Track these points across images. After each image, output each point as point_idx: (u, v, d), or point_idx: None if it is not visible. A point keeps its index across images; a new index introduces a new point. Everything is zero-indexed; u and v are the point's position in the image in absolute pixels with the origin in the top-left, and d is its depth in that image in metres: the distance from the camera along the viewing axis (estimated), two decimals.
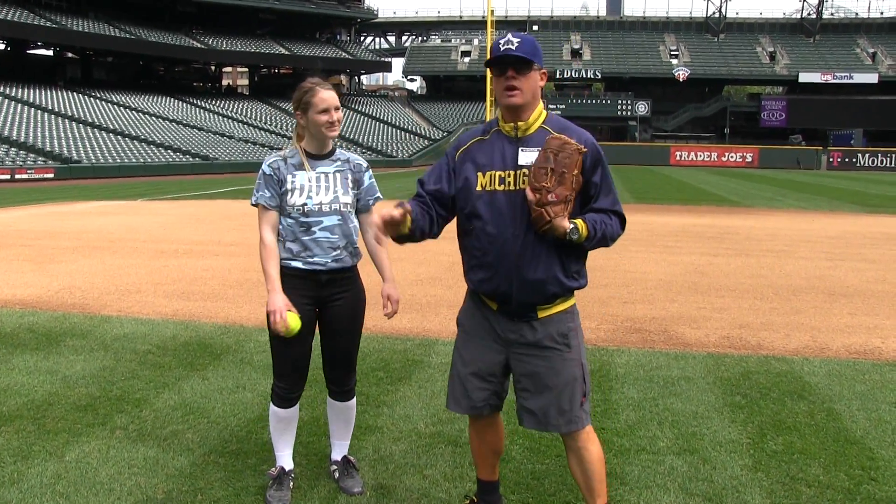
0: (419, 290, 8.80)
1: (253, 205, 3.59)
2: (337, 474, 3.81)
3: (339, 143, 3.69)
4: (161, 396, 5.09)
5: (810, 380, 5.57)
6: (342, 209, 3.56)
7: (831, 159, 69.48)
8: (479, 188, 3.03)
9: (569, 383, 3.03)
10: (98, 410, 4.80)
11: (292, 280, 3.53)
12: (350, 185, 3.61)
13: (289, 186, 3.52)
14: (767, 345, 6.61)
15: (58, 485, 3.74)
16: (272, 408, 3.70)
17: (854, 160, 69.37)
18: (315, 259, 3.52)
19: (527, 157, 2.98)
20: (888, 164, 68.72)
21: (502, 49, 2.95)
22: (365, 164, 3.73)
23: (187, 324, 7.14)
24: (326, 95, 3.47)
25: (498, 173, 3.01)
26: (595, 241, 2.95)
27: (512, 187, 2.98)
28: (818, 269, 10.78)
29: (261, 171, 3.58)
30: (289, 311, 3.43)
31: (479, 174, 3.04)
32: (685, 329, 7.12)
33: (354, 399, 3.88)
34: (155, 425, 4.57)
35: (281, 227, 3.56)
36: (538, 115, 3.05)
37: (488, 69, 3.04)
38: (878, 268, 10.95)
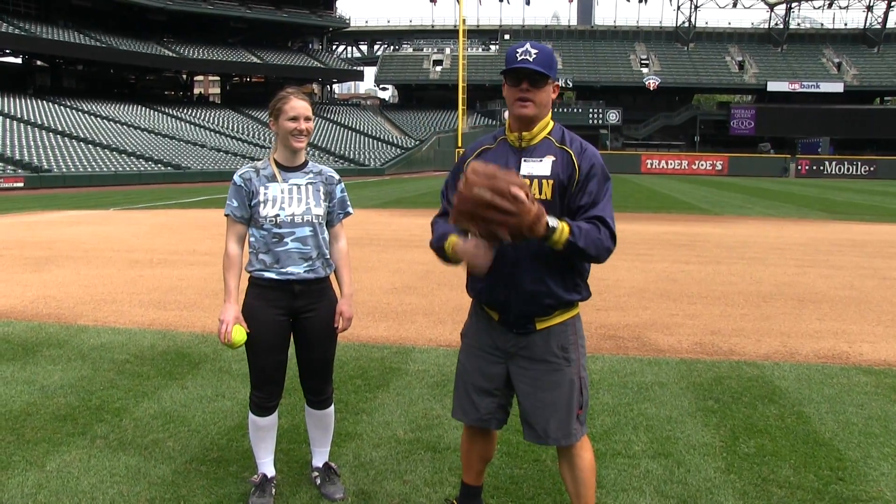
0: (394, 298, 8.86)
1: (225, 215, 3.64)
2: (318, 481, 3.85)
3: (310, 153, 3.73)
4: (140, 405, 5.10)
5: (780, 384, 5.70)
6: (314, 220, 3.60)
7: (799, 167, 70.47)
8: None
9: (567, 397, 3.06)
10: (77, 420, 4.81)
11: (265, 291, 3.58)
12: (322, 197, 3.65)
13: (261, 198, 3.54)
14: (739, 350, 6.74)
15: (39, 495, 3.75)
16: (251, 416, 3.74)
17: (821, 168, 70.47)
18: (287, 269, 3.55)
19: (529, 167, 3.00)
20: (854, 172, 69.95)
21: (519, 59, 2.93)
22: (337, 177, 3.76)
23: (164, 333, 7.14)
24: (297, 104, 3.51)
25: None
26: (579, 244, 2.80)
27: None
28: (787, 275, 10.97)
29: (232, 182, 3.62)
30: (237, 324, 3.50)
31: None
32: (658, 335, 7.24)
33: (332, 407, 3.92)
34: (135, 434, 4.59)
35: (253, 238, 3.60)
36: (544, 125, 3.06)
37: (502, 76, 3.01)
38: (846, 274, 11.16)
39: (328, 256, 3.69)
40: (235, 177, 3.60)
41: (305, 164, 3.67)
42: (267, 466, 3.78)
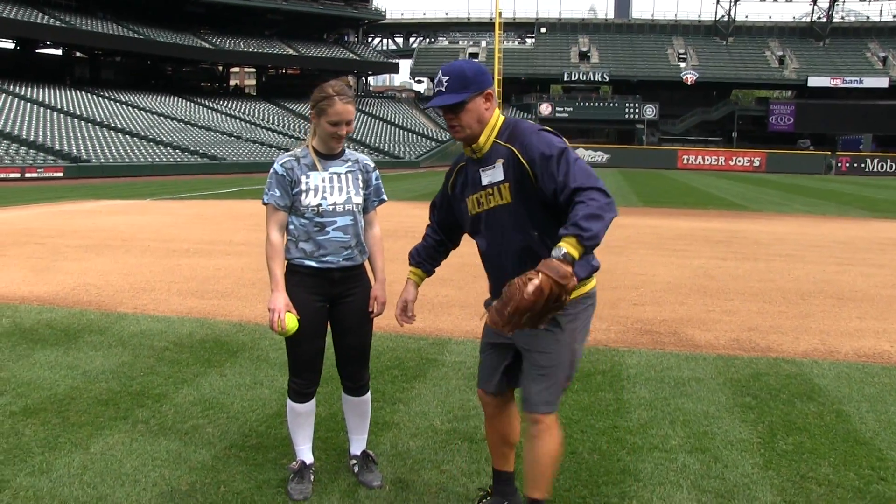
0: (431, 290, 8.86)
1: (264, 204, 3.66)
2: (356, 468, 3.89)
3: (346, 145, 3.76)
4: (180, 392, 5.18)
5: (819, 382, 5.64)
6: (354, 209, 3.64)
7: (839, 164, 69.45)
8: (469, 213, 3.25)
9: (556, 366, 3.09)
10: (119, 405, 4.90)
11: (305, 278, 3.62)
12: (361, 185, 3.70)
13: (303, 187, 3.58)
14: (777, 347, 6.68)
15: (85, 475, 3.84)
16: (290, 403, 3.79)
17: (863, 165, 69.28)
18: (328, 258, 3.60)
19: (487, 177, 3.12)
20: None
21: (434, 92, 3.09)
22: (372, 165, 3.80)
23: (202, 321, 7.23)
24: (341, 109, 3.52)
25: (475, 196, 3.20)
26: (593, 233, 2.71)
27: (486, 206, 3.16)
28: (826, 273, 10.84)
29: (272, 171, 3.64)
30: (288, 311, 3.52)
31: (468, 199, 3.25)
32: (695, 331, 7.19)
33: (369, 394, 3.95)
34: (175, 420, 4.66)
35: (292, 226, 3.63)
36: (490, 131, 3.13)
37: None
38: (887, 273, 11.00)
39: (364, 244, 3.73)
40: (276, 166, 3.63)
41: (343, 152, 3.70)
42: (305, 453, 3.82)
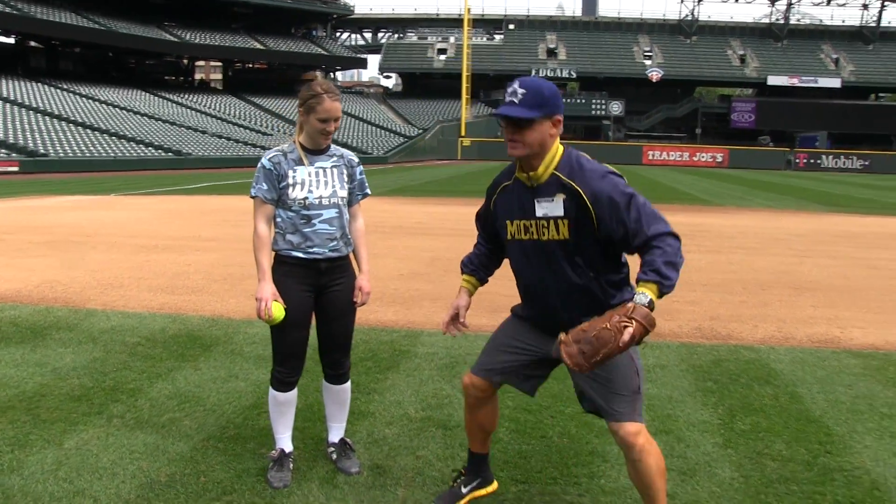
0: (402, 284, 8.98)
1: (252, 197, 3.77)
2: (335, 456, 3.99)
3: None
4: (155, 386, 5.22)
5: (776, 366, 5.91)
6: (339, 202, 3.77)
7: (797, 160, 70.70)
8: (509, 237, 3.22)
9: (622, 377, 3.06)
10: (93, 400, 4.91)
11: (293, 269, 3.74)
12: (346, 179, 3.82)
13: (290, 181, 3.70)
14: (736, 335, 6.92)
15: (60, 471, 3.85)
16: (272, 392, 3.88)
17: (819, 161, 70.66)
18: (314, 249, 3.72)
19: (543, 209, 3.05)
20: (850, 166, 70.21)
21: (506, 101, 3.00)
22: (357, 160, 3.93)
23: (174, 317, 7.26)
24: (330, 106, 3.62)
25: (523, 222, 3.13)
26: (671, 281, 2.83)
27: (535, 236, 3.10)
28: (785, 264, 11.12)
29: (260, 165, 3.74)
30: (275, 301, 3.64)
31: (508, 222, 3.20)
32: (659, 321, 7.26)
33: (349, 383, 4.07)
34: (152, 413, 4.71)
35: (280, 219, 3.74)
36: (550, 160, 3.05)
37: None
38: (841, 264, 11.34)
39: (349, 236, 3.86)
40: (264, 160, 3.74)
41: (329, 147, 3.82)
42: (285, 442, 3.92)
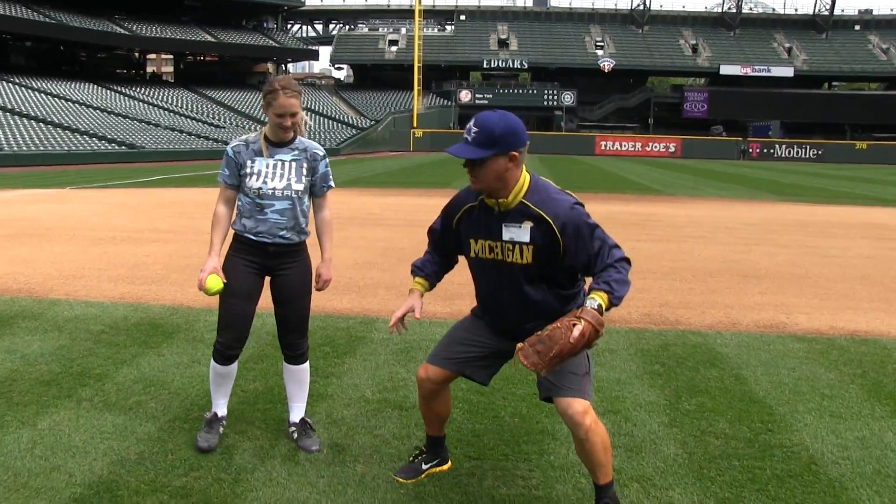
0: (357, 273, 9.16)
1: (218, 181, 4.05)
2: (295, 435, 4.17)
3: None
4: (121, 371, 5.36)
5: (722, 350, 6.16)
6: (293, 195, 3.95)
7: (750, 150, 71.83)
8: (472, 254, 3.42)
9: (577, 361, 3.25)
10: (62, 385, 5.05)
11: (244, 246, 4.00)
12: (304, 172, 4.00)
13: (247, 170, 3.92)
14: (685, 321, 7.18)
15: (35, 449, 4.02)
16: (212, 364, 4.15)
17: (772, 151, 71.88)
18: (262, 235, 3.95)
19: (510, 233, 3.24)
20: (803, 155, 71.54)
21: (462, 140, 3.17)
22: (321, 154, 4.10)
23: (136, 306, 7.36)
24: (285, 102, 3.82)
25: (488, 242, 3.32)
26: (620, 301, 3.13)
27: (500, 257, 3.30)
28: (734, 253, 11.48)
29: (225, 152, 4.01)
30: (214, 273, 3.91)
31: (472, 241, 3.39)
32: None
33: (308, 363, 4.28)
34: (119, 397, 4.85)
35: (240, 202, 3.99)
36: (518, 191, 3.22)
37: None
38: (789, 252, 11.71)
39: (304, 226, 4.04)
40: (228, 148, 3.99)
41: (293, 140, 4.00)
42: (220, 407, 4.22)
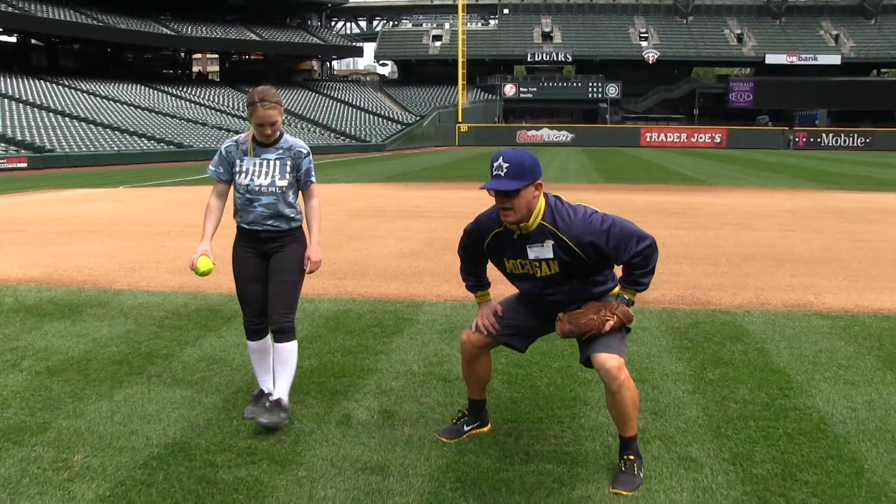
0: (403, 262, 9.56)
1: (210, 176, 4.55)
2: (266, 404, 4.43)
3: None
4: (185, 351, 5.82)
5: (748, 327, 6.47)
6: (277, 190, 4.37)
7: (797, 139, 71.04)
8: (507, 270, 3.88)
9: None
10: (132, 363, 5.52)
11: (243, 235, 4.51)
12: (288, 169, 4.40)
13: (237, 169, 4.40)
14: (716, 301, 7.48)
15: (115, 417, 4.48)
16: (247, 342, 4.61)
17: (818, 140, 71.08)
18: (253, 225, 4.42)
19: (535, 252, 3.69)
20: (850, 144, 70.59)
21: (493, 175, 3.55)
22: (305, 151, 4.50)
23: (195, 294, 7.84)
24: (262, 114, 4.23)
25: (518, 261, 3.77)
26: (647, 288, 3.75)
27: (530, 272, 3.77)
28: (769, 239, 11.68)
29: (218, 150, 4.50)
30: (205, 256, 4.43)
31: (505, 259, 3.84)
32: (644, 292, 7.92)
33: (294, 344, 4.47)
34: (185, 373, 5.31)
35: (235, 196, 4.46)
36: (537, 214, 3.63)
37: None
38: (824, 237, 11.89)
39: (291, 215, 4.44)
40: (221, 147, 4.48)
41: (279, 140, 4.41)
42: (264, 384, 4.62)
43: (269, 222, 4.39)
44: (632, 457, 3.69)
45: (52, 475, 3.71)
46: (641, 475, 3.66)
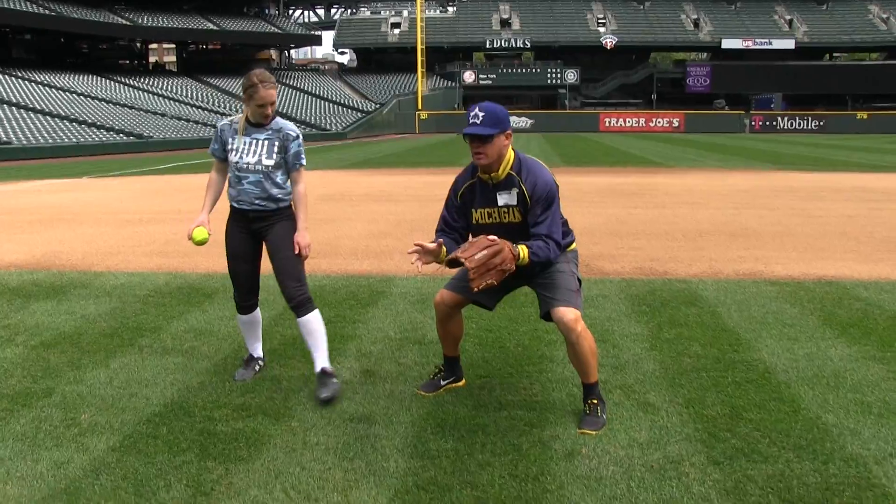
0: (373, 241, 9.91)
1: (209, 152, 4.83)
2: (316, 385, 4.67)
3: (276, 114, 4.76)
4: (172, 324, 6.13)
5: (702, 293, 6.93)
6: (264, 169, 4.60)
7: (753, 123, 72.29)
8: (473, 222, 4.20)
9: (570, 285, 4.12)
10: (123, 336, 5.81)
11: (235, 213, 4.75)
12: (276, 150, 4.63)
13: (229, 147, 4.67)
14: (672, 272, 7.94)
15: (113, 381, 4.79)
16: (237, 315, 4.96)
17: (774, 123, 72.38)
18: (242, 203, 4.66)
19: (504, 199, 4.08)
20: (805, 127, 71.92)
21: (469, 123, 3.93)
22: (294, 134, 4.70)
23: (174, 274, 8.11)
24: (265, 94, 4.49)
25: (486, 210, 4.13)
26: (538, 258, 3.92)
27: (497, 220, 4.12)
28: (725, 216, 12.20)
29: (215, 129, 4.78)
30: (201, 226, 4.71)
31: (473, 210, 4.18)
32: (604, 263, 8.38)
33: (317, 313, 4.65)
34: (174, 343, 5.62)
35: (229, 173, 4.72)
36: (506, 163, 4.05)
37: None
38: (777, 214, 12.44)
39: (277, 196, 4.64)
40: (218, 125, 4.76)
41: (272, 120, 4.66)
42: (255, 350, 5.01)
43: (258, 202, 4.61)
44: (595, 401, 4.09)
45: (64, 431, 4.02)
46: (605, 417, 4.06)
